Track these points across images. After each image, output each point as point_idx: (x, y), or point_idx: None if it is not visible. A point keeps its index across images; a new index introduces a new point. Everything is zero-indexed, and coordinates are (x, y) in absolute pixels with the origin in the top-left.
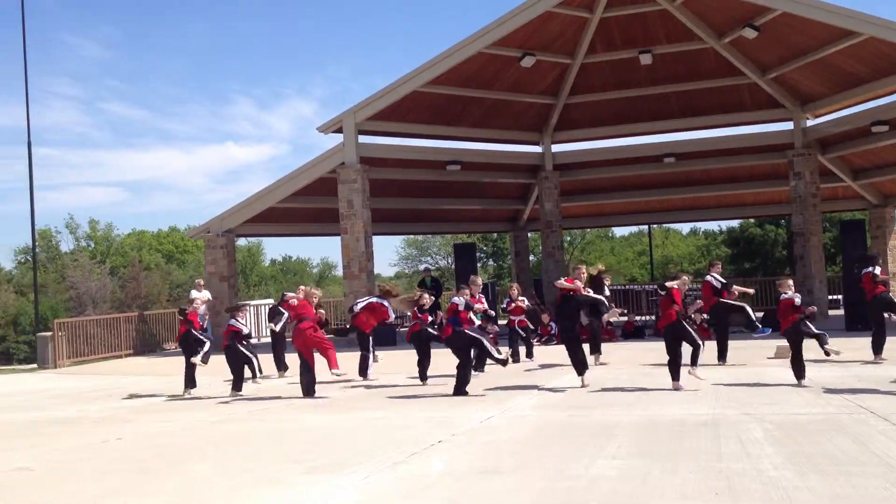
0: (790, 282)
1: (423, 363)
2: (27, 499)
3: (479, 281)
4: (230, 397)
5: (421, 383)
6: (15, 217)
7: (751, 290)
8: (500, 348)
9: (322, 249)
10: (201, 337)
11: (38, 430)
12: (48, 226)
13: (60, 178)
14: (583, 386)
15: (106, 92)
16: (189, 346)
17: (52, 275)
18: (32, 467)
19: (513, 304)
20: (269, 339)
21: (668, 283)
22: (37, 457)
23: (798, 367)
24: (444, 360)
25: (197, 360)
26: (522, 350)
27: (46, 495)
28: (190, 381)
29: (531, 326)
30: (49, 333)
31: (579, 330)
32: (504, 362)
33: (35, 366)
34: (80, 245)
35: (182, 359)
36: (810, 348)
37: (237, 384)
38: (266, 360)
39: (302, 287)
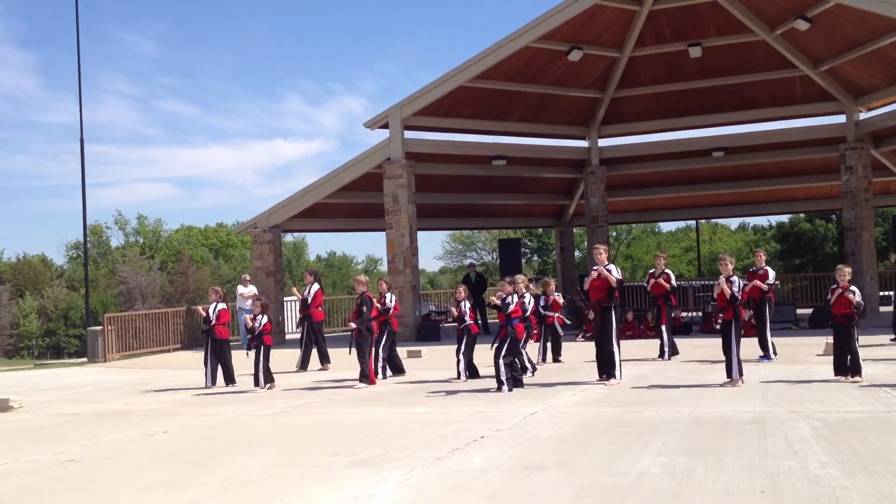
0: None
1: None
2: (74, 490)
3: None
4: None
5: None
6: (69, 213)
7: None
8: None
9: (367, 245)
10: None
11: (88, 422)
12: (98, 221)
13: (114, 175)
14: (607, 384)
15: (160, 89)
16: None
17: (102, 269)
18: (81, 459)
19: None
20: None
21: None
22: (85, 449)
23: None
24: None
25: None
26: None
27: (93, 487)
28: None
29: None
30: (99, 328)
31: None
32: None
33: (85, 359)
34: (130, 240)
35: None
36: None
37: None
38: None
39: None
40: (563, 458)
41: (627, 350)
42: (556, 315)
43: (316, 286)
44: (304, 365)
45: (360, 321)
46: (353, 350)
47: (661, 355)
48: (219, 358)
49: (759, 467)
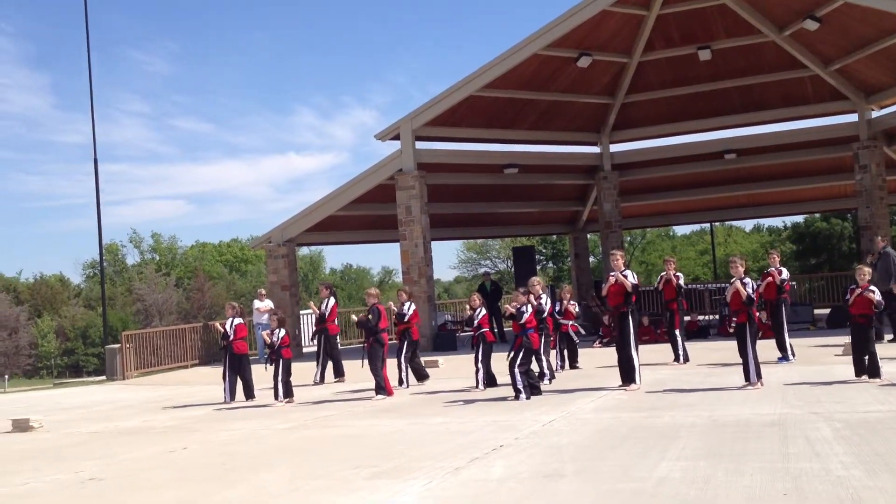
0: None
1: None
2: None
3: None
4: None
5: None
6: (85, 232)
7: None
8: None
9: (382, 256)
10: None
11: (108, 441)
12: (114, 240)
13: (129, 193)
14: (628, 390)
15: (172, 107)
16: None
17: (119, 287)
18: (102, 477)
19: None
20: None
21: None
22: (106, 467)
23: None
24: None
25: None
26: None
27: None
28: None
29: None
30: (117, 346)
31: (619, 332)
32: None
33: (104, 378)
34: (145, 258)
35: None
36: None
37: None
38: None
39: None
40: (583, 465)
41: (643, 355)
42: (571, 323)
43: (332, 300)
44: (322, 378)
45: (365, 323)
46: (366, 362)
47: (676, 359)
48: (237, 373)
49: (781, 470)
